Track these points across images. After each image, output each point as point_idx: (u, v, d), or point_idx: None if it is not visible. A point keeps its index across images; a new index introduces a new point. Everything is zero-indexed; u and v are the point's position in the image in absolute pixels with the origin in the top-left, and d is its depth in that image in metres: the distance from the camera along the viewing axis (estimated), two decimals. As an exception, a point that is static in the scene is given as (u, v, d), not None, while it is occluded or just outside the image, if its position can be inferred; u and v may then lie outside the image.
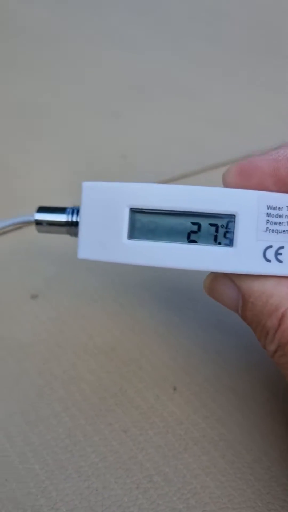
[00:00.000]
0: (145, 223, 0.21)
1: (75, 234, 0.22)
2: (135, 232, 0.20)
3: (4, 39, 0.64)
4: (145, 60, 0.61)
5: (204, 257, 0.20)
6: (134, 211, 0.20)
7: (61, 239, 0.32)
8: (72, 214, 0.23)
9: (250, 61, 0.60)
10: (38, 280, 0.30)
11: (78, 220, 0.22)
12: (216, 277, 0.21)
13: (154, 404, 0.25)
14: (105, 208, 0.20)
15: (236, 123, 0.48)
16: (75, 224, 0.23)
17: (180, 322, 0.29)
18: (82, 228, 0.21)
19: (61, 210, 0.23)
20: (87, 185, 0.21)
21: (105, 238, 0.20)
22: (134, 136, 0.45)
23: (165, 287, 0.31)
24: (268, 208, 0.20)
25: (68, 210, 0.23)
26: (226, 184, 0.21)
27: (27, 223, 0.27)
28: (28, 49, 0.61)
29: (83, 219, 0.21)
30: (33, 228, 0.30)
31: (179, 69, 0.58)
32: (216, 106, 0.51)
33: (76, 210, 0.23)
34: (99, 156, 0.43)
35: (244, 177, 0.20)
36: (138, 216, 0.21)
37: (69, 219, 0.23)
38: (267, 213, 0.20)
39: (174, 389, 0.25)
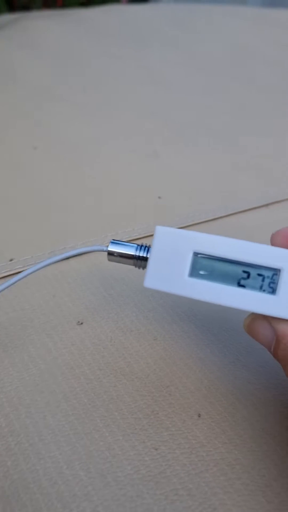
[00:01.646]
0: (205, 266, 0.26)
1: (140, 266, 0.28)
2: (195, 272, 0.25)
3: (51, 71, 0.69)
4: (181, 100, 0.66)
5: (250, 300, 0.25)
6: (197, 255, 0.25)
7: (100, 271, 0.36)
8: (140, 250, 0.27)
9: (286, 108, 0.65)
10: (82, 307, 0.35)
11: (145, 255, 0.27)
12: (256, 318, 0.26)
13: (181, 427, 0.29)
14: (173, 249, 0.26)
15: (271, 170, 0.52)
16: (142, 259, 0.28)
17: (205, 357, 0.33)
18: (151, 262, 0.26)
19: (130, 246, 0.28)
20: (159, 228, 0.26)
21: (169, 273, 0.26)
22: (170, 178, 0.50)
23: (196, 325, 0.35)
24: None
25: (137, 246, 0.28)
26: (273, 244, 0.25)
27: (94, 252, 0.31)
28: (66, 83, 0.66)
29: (153, 255, 0.26)
30: (79, 258, 0.35)
31: (215, 112, 0.63)
32: (251, 152, 0.55)
33: (143, 247, 0.28)
34: (137, 195, 0.48)
35: None
36: (200, 260, 0.26)
37: (137, 254, 0.28)
38: None
39: (199, 415, 0.29)
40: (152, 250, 0.26)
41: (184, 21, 1.01)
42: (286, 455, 0.28)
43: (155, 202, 0.47)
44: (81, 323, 0.33)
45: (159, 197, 0.47)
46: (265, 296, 0.25)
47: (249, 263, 0.25)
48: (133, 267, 0.29)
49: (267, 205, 0.48)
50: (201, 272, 0.26)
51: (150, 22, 0.99)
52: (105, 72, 0.72)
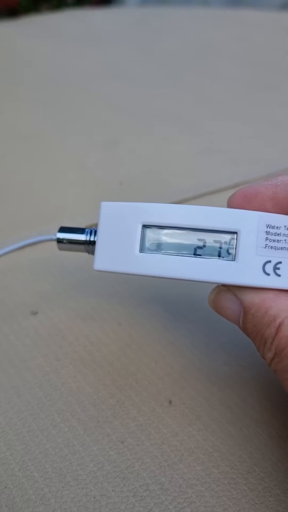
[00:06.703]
0: (156, 238, 0.23)
1: (92, 252, 0.24)
2: (146, 246, 0.22)
3: (11, 72, 0.67)
4: (144, 93, 0.64)
5: (208, 270, 0.22)
6: (146, 227, 0.22)
7: (58, 259, 0.33)
8: (90, 234, 0.25)
9: (245, 96, 0.64)
10: (37, 297, 0.31)
11: (95, 239, 0.24)
12: (220, 292, 0.23)
13: (150, 416, 0.26)
14: (120, 225, 0.23)
15: (229, 154, 0.50)
16: (93, 243, 0.25)
17: (176, 341, 0.30)
18: (99, 242, 0.23)
19: (80, 230, 0.25)
20: (105, 204, 0.23)
21: (119, 251, 0.22)
22: (131, 164, 0.48)
23: (164, 307, 0.32)
24: (267, 227, 0.21)
25: (87, 230, 0.25)
26: (230, 206, 0.22)
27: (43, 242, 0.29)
28: (33, 80, 0.64)
29: (100, 234, 0.23)
30: (35, 248, 0.32)
31: (177, 101, 0.61)
32: (212, 136, 0.54)
33: (93, 231, 0.25)
34: (98, 182, 0.45)
35: (247, 200, 0.22)
36: (149, 232, 0.23)
37: (87, 239, 0.25)
38: (266, 231, 0.21)
39: (170, 402, 0.26)
40: (99, 228, 0.23)
41: (145, 23, 1.00)
42: (268, 437, 0.25)
43: (117, 188, 0.44)
44: (36, 313, 0.30)
45: (121, 183, 0.45)
46: (224, 264, 0.22)
47: (203, 228, 0.22)
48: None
49: (235, 186, 0.45)
50: (153, 246, 0.23)
51: (111, 25, 0.98)
52: (66, 70, 0.70)
